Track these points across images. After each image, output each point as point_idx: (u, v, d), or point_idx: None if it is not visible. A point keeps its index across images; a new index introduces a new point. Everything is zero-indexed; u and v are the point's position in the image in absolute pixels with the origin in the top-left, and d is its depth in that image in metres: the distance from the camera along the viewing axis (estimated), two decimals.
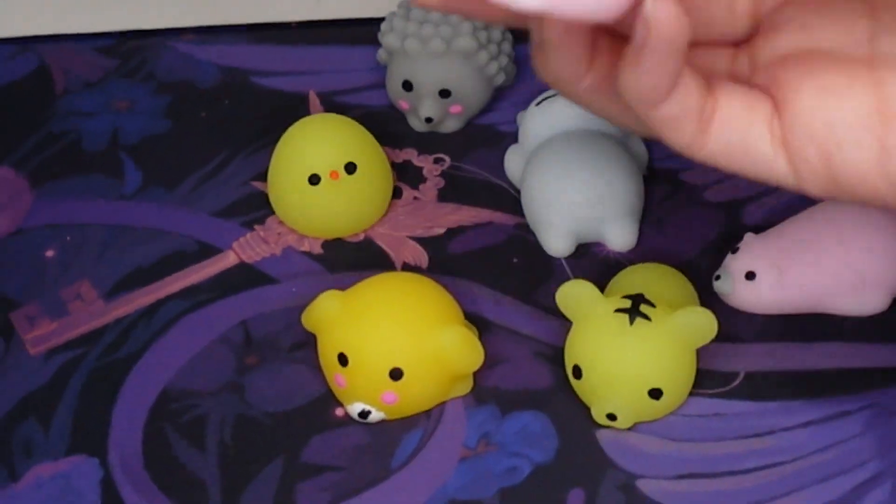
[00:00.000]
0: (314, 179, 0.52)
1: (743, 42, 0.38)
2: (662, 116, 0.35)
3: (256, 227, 0.54)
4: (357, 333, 0.46)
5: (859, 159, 0.35)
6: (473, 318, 0.50)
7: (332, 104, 0.59)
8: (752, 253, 0.50)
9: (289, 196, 0.53)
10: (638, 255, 0.52)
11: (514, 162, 0.55)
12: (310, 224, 0.53)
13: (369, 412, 0.47)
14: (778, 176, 0.36)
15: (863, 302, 0.49)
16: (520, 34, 0.60)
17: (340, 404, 0.48)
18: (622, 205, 0.52)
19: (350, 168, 0.52)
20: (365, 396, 0.47)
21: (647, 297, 0.46)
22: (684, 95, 0.35)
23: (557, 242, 0.52)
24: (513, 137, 0.57)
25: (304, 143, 0.52)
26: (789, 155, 0.36)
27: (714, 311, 0.45)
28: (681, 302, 0.48)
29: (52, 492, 0.46)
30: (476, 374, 0.48)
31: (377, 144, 0.54)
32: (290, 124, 0.54)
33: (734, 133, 0.36)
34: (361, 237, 0.54)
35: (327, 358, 0.47)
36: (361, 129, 0.53)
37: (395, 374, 0.46)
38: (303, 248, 0.54)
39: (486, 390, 0.48)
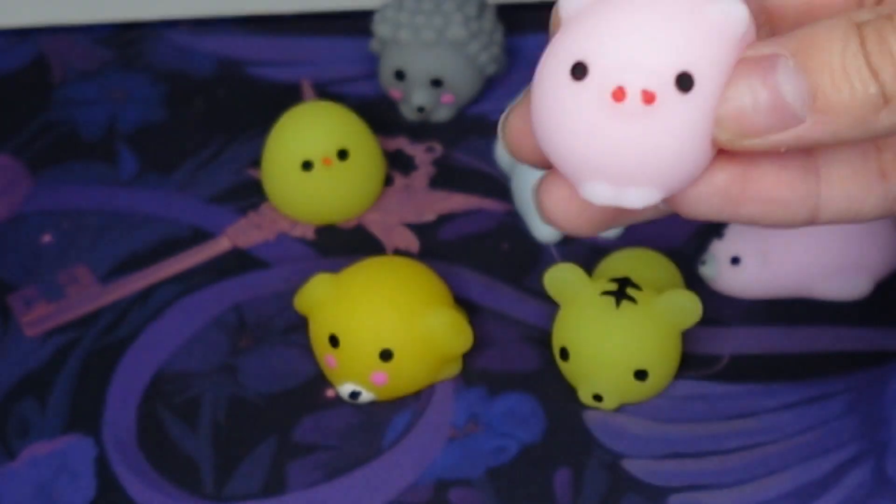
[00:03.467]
0: (307, 166, 0.53)
1: None
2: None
3: (250, 213, 0.55)
4: (348, 315, 0.47)
5: None
6: (463, 302, 0.51)
7: (326, 93, 0.60)
8: (738, 238, 0.50)
9: (282, 182, 0.54)
10: (624, 240, 0.53)
11: (504, 151, 0.56)
12: (303, 210, 0.54)
13: (359, 393, 0.48)
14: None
15: (846, 287, 0.50)
16: (511, 24, 0.60)
17: (331, 385, 0.49)
18: None
19: (342, 155, 0.53)
20: (355, 377, 0.47)
21: (634, 280, 0.47)
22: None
23: (545, 228, 0.53)
24: None
25: (297, 129, 0.53)
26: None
27: (700, 296, 0.46)
28: (667, 285, 0.48)
29: (48, 469, 0.47)
30: (465, 357, 0.49)
31: (369, 132, 0.54)
32: (283, 113, 0.54)
33: (846, 198, 0.33)
34: (354, 223, 0.55)
35: (318, 339, 0.48)
36: (354, 116, 0.54)
37: (385, 356, 0.47)
38: (295, 234, 0.54)
39: (474, 372, 0.49)
